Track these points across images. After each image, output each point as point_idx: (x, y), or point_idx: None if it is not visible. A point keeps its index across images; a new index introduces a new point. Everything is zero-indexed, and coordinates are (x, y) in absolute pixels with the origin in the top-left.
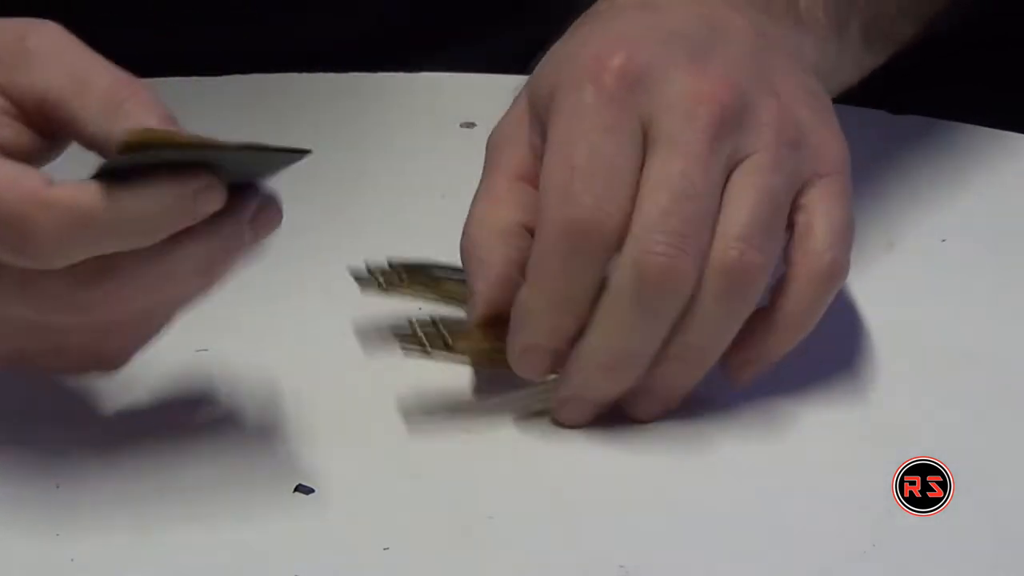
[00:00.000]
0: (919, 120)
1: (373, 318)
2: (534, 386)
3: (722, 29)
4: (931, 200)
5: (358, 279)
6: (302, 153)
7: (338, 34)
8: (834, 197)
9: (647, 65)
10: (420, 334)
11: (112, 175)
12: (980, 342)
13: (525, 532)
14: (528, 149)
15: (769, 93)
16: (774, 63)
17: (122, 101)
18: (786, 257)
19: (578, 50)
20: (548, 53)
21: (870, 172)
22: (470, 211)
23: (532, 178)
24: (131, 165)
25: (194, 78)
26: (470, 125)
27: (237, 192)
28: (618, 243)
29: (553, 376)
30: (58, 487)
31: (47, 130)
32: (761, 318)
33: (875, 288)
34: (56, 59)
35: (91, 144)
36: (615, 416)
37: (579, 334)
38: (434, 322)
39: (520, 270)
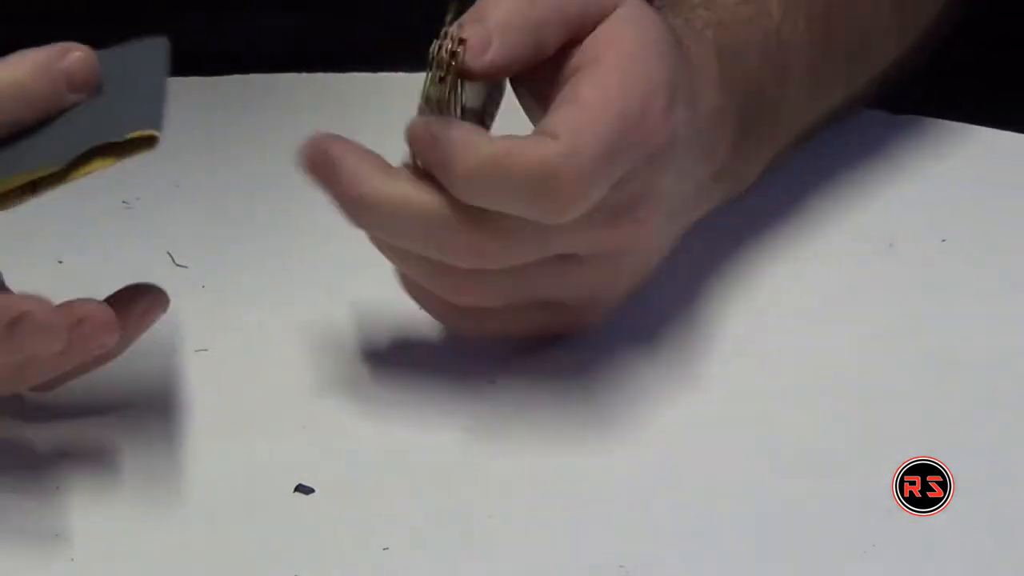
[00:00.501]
0: (919, 120)
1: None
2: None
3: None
4: (931, 200)
5: None
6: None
7: (338, 34)
8: (546, 324)
9: (664, 168)
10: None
11: None
12: (980, 342)
13: (525, 532)
14: None
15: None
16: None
17: (62, 55)
18: None
19: None
20: None
21: (870, 172)
22: None
23: None
24: None
25: (194, 78)
26: None
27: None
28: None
29: None
30: (58, 488)
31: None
32: None
33: (875, 288)
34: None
35: None
36: (615, 416)
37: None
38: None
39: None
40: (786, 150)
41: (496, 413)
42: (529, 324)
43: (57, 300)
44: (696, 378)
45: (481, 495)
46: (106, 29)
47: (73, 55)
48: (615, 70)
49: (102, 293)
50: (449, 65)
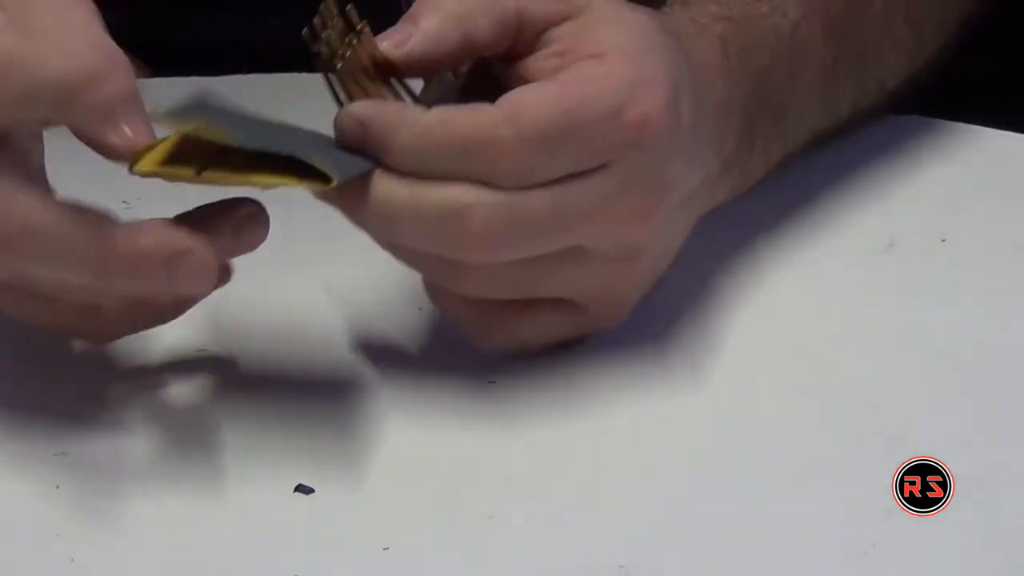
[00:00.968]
0: (919, 120)
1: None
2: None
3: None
4: (931, 200)
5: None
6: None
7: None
8: (559, 324)
9: (656, 142)
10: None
11: None
12: (980, 342)
13: (525, 532)
14: None
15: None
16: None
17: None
18: None
19: None
20: None
21: (869, 171)
22: None
23: None
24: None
25: (194, 78)
26: None
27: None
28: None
29: None
30: (58, 487)
31: None
32: None
33: (875, 288)
34: (62, 30)
35: None
36: (615, 416)
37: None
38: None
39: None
40: (796, 152)
41: (496, 413)
42: (548, 329)
43: None
44: (695, 378)
45: (481, 495)
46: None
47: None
48: (593, 64)
49: None
50: (343, 55)
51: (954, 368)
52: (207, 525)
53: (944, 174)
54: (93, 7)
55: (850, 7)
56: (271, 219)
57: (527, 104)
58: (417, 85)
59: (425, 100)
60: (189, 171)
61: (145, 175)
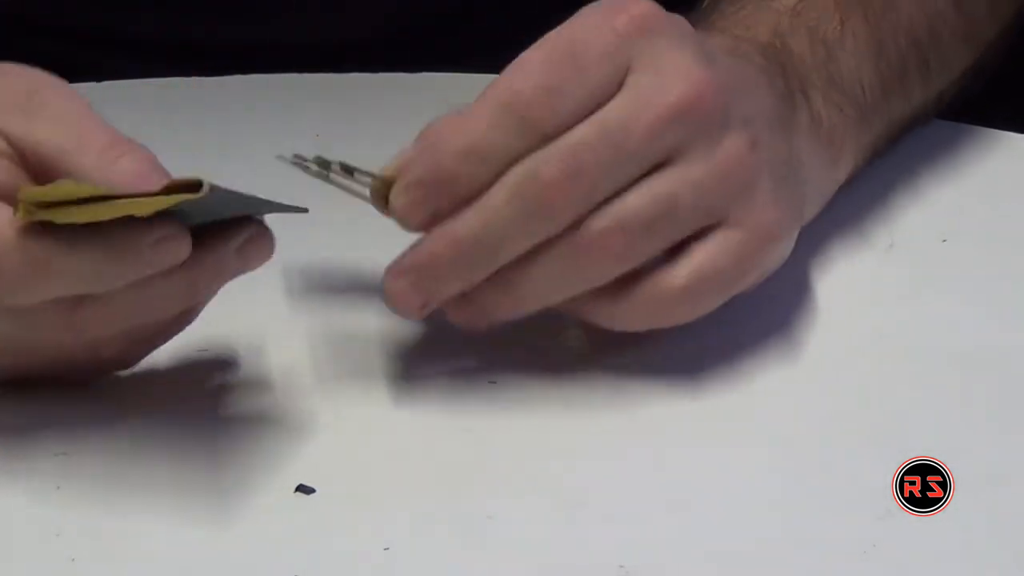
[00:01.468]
0: None
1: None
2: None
3: (747, 71)
4: (931, 200)
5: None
6: (200, 186)
7: (338, 34)
8: (726, 248)
9: (663, 30)
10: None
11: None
12: (980, 342)
13: (525, 532)
14: None
15: (746, 135)
16: (769, 128)
17: (117, 158)
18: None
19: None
20: None
21: (870, 172)
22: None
23: None
24: None
25: (194, 78)
26: None
27: (227, 223)
28: (541, 140)
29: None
30: (58, 487)
31: (43, 178)
32: (596, 298)
33: (875, 288)
34: (61, 114)
35: None
36: (617, 416)
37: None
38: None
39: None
40: (882, 132)
41: (496, 413)
42: (712, 257)
43: None
44: (695, 378)
45: (481, 495)
46: (107, 26)
47: None
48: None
49: None
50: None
51: (954, 368)
52: (207, 525)
53: (944, 174)
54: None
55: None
56: (277, 219)
57: (513, 70)
58: None
59: None
60: (83, 208)
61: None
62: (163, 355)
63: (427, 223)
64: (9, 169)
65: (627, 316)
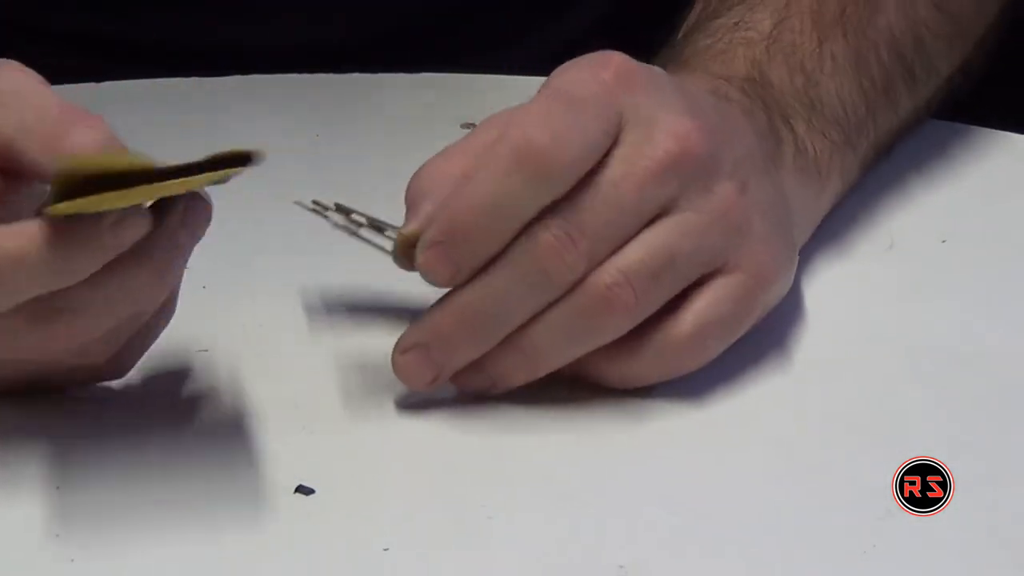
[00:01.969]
0: None
1: (374, 308)
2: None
3: (729, 114)
4: (931, 201)
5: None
6: (252, 158)
7: (337, 34)
8: (726, 293)
9: (647, 83)
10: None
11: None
12: (980, 342)
13: (525, 532)
14: None
15: (735, 181)
16: (755, 170)
17: (64, 134)
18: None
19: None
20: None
21: (871, 172)
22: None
23: None
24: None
25: (194, 79)
26: (470, 125)
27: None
28: (556, 188)
29: None
30: (58, 488)
31: (11, 172)
32: (604, 358)
33: (875, 288)
34: (12, 100)
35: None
36: (615, 416)
37: (477, 267)
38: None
39: None
40: (878, 142)
41: (496, 414)
42: (717, 304)
43: None
44: (695, 379)
45: (481, 496)
46: (106, 24)
47: None
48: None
49: None
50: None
51: (954, 368)
52: (207, 525)
53: (944, 175)
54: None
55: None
56: (270, 219)
57: (518, 122)
58: None
59: None
60: (107, 194)
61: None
62: (163, 355)
63: (452, 278)
64: None
65: (637, 371)
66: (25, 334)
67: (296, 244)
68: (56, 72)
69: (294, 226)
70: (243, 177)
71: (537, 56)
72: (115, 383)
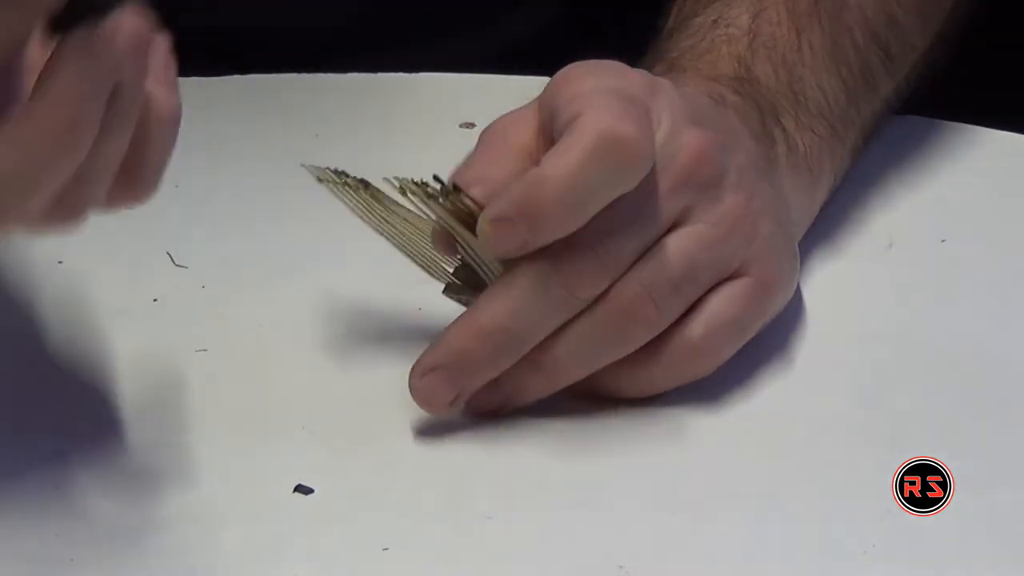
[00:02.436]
0: (919, 120)
1: (374, 308)
2: None
3: (728, 120)
4: (931, 200)
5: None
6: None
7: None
8: (735, 297)
9: (664, 88)
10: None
11: None
12: (980, 342)
13: (524, 532)
14: (535, 131)
15: (743, 189)
16: (757, 176)
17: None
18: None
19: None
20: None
21: (870, 172)
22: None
23: (535, 155)
24: None
25: (194, 78)
26: (469, 125)
27: None
28: (629, 183)
29: None
30: (58, 488)
31: None
32: (619, 369)
33: (875, 288)
34: None
35: None
36: (617, 416)
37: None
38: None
39: None
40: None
41: (495, 415)
42: (728, 304)
43: (57, 301)
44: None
45: (480, 496)
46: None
47: None
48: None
49: (102, 294)
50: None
51: (954, 368)
52: (206, 525)
53: (944, 174)
54: None
55: None
56: (270, 220)
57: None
58: None
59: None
60: None
61: None
62: (162, 354)
63: (517, 253)
64: None
65: (651, 380)
66: None
67: (296, 244)
68: None
69: (295, 226)
70: (242, 176)
71: (489, 51)
72: (114, 382)
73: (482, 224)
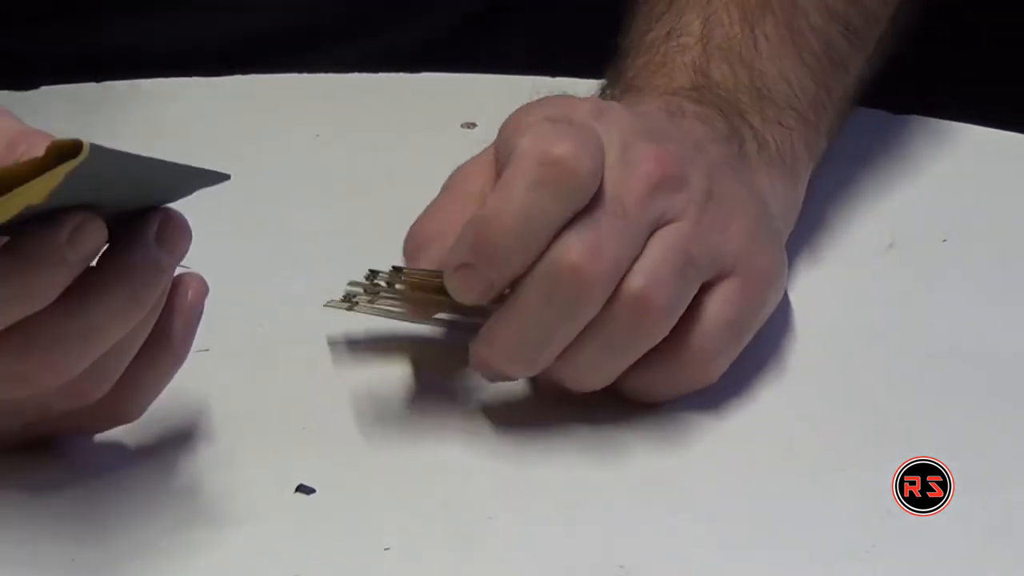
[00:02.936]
0: (919, 120)
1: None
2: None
3: (687, 130)
4: (932, 200)
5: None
6: (218, 178)
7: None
8: (734, 294)
9: (612, 110)
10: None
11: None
12: (980, 342)
13: (525, 532)
14: (491, 177)
15: (705, 190)
16: (723, 176)
17: (16, 155)
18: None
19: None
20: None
21: (870, 172)
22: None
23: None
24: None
25: (194, 79)
26: (470, 125)
27: (136, 218)
28: (578, 202)
29: None
30: (58, 488)
31: None
32: (637, 375)
33: (875, 288)
34: None
35: None
36: (616, 416)
37: (509, 283)
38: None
39: None
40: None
41: (497, 414)
42: (722, 307)
43: None
44: None
45: (481, 495)
46: (103, 23)
47: None
48: None
49: None
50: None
51: (954, 368)
52: (207, 525)
53: (945, 174)
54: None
55: None
56: (272, 220)
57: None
58: None
59: None
60: None
61: None
62: None
63: (484, 296)
64: None
65: (655, 389)
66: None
67: (296, 244)
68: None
69: (294, 226)
70: (242, 177)
71: (396, 53)
72: None
73: (447, 278)
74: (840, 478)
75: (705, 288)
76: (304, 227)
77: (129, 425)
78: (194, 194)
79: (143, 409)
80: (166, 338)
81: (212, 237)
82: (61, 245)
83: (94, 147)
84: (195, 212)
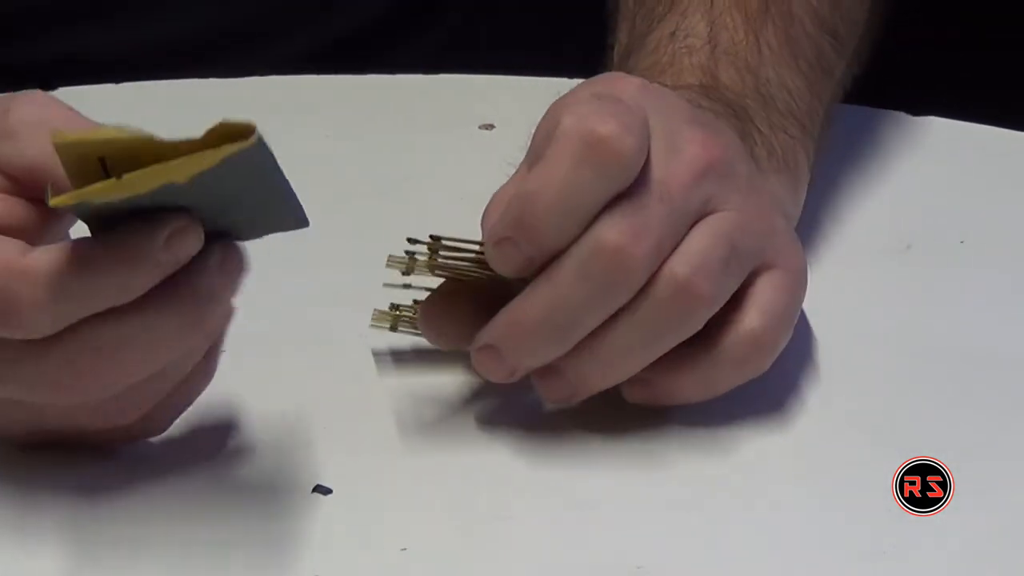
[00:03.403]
0: (937, 122)
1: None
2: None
3: (713, 120)
4: (949, 202)
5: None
6: (250, 131)
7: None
8: (778, 285)
9: (660, 91)
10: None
11: (99, 222)
12: (998, 344)
13: (543, 533)
14: None
15: (754, 184)
16: (758, 174)
17: None
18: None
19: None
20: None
21: (888, 173)
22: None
23: None
24: (114, 211)
25: (194, 80)
26: (489, 127)
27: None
28: (620, 182)
29: None
30: (58, 488)
31: (38, 198)
32: (677, 361)
33: (893, 289)
34: (40, 128)
35: None
36: (630, 419)
37: (548, 258)
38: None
39: None
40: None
41: (512, 415)
42: (772, 294)
43: None
44: None
45: (498, 496)
46: (101, 24)
47: None
48: None
49: None
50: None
51: (969, 369)
52: (225, 525)
53: (963, 176)
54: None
55: None
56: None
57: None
58: None
59: None
60: (110, 181)
61: (63, 206)
62: None
63: (524, 270)
64: (4, 200)
65: (714, 380)
66: (53, 378)
67: (296, 244)
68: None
69: (302, 229)
70: None
71: (307, 54)
72: None
73: (486, 249)
74: (841, 478)
75: (750, 279)
76: (318, 228)
77: None
78: None
79: (167, 428)
80: (206, 365)
81: None
82: (158, 246)
83: (261, 138)
84: None
